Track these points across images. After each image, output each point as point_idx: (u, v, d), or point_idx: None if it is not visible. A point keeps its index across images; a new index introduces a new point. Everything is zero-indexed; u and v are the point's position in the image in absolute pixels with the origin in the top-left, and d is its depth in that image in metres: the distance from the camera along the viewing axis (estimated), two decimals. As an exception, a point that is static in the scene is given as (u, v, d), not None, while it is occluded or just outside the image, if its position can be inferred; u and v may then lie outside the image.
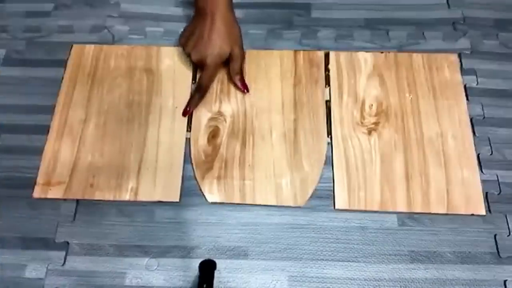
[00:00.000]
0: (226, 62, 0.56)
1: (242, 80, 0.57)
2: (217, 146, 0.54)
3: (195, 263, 0.47)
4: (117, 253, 0.49)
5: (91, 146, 0.54)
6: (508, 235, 0.50)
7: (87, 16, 0.64)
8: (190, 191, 0.52)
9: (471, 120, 0.55)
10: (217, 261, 0.47)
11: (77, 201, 0.51)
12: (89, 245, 0.49)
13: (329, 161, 0.53)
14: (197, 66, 0.58)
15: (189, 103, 0.56)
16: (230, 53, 0.55)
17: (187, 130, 0.55)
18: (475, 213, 0.50)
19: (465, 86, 0.58)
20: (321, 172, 0.53)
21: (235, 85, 0.57)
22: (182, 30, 0.59)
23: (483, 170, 0.53)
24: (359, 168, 0.53)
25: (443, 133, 0.54)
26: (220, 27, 0.53)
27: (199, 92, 0.56)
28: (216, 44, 0.53)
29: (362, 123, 0.55)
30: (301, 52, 0.60)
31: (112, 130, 0.55)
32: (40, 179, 0.52)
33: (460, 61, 0.59)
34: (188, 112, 0.56)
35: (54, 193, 0.51)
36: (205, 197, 0.52)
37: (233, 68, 0.56)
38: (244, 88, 0.57)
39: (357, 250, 0.49)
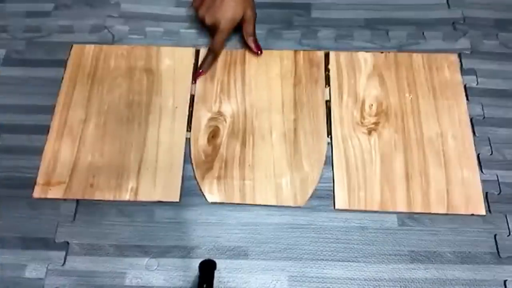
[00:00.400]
0: (237, 26, 0.57)
1: (256, 41, 0.58)
2: (217, 146, 0.54)
3: (195, 263, 0.47)
4: (117, 253, 0.49)
5: (91, 146, 0.54)
6: (508, 235, 0.50)
7: (87, 16, 0.64)
8: (190, 191, 0.52)
9: (471, 120, 0.55)
10: (217, 261, 0.47)
11: (77, 201, 0.51)
12: (89, 245, 0.49)
13: (329, 161, 0.53)
14: (209, 29, 0.58)
15: (201, 65, 0.57)
16: (243, 15, 0.55)
17: (187, 130, 0.55)
18: (475, 213, 0.50)
19: (465, 86, 0.58)
20: (321, 172, 0.53)
21: (249, 47, 0.58)
22: (181, 29, 0.59)
23: (483, 170, 0.53)
24: (359, 168, 0.53)
25: (443, 133, 0.54)
26: None
27: (211, 55, 0.57)
28: (230, 6, 0.54)
29: (362, 123, 0.55)
30: (301, 52, 0.60)
31: (112, 130, 0.55)
32: (40, 179, 0.52)
33: (460, 61, 0.59)
34: (199, 75, 0.57)
35: (54, 193, 0.51)
36: (205, 197, 0.52)
37: (246, 30, 0.57)
38: (258, 49, 0.58)
39: (357, 250, 0.49)
